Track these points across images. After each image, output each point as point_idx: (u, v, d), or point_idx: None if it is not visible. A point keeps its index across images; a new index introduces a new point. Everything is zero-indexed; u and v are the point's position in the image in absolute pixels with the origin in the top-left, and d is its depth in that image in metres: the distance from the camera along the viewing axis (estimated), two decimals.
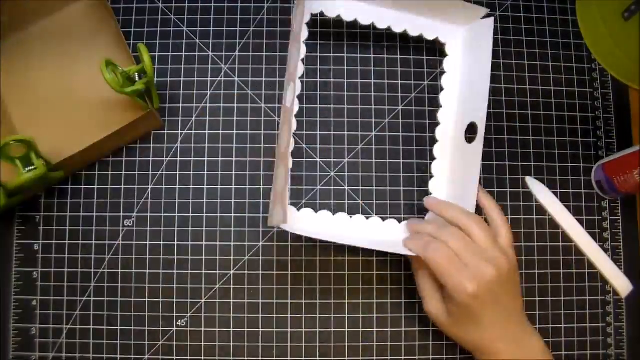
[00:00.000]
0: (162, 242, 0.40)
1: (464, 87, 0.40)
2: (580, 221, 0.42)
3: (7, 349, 0.38)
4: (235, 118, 0.41)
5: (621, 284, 0.41)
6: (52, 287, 0.39)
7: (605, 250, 0.42)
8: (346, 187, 0.40)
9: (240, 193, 0.40)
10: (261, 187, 0.40)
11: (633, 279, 0.41)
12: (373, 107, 0.41)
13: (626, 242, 0.42)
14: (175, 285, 0.39)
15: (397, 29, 0.39)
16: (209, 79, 0.42)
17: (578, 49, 0.44)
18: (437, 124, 0.40)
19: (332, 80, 0.42)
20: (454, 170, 0.39)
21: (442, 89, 0.41)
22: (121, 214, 0.40)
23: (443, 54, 0.41)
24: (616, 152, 0.42)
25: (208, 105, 0.41)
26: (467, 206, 0.36)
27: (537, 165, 0.40)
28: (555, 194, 0.42)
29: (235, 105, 0.41)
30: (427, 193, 0.39)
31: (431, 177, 0.40)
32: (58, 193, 0.40)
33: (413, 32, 0.40)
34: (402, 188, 0.40)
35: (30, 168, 0.35)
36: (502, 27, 0.44)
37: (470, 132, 0.37)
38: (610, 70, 0.43)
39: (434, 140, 0.40)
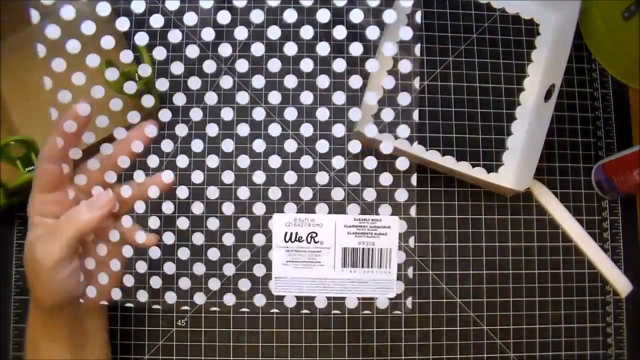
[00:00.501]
0: (161, 243, 0.40)
1: (549, 56, 0.43)
2: (580, 221, 0.42)
3: (7, 349, 0.39)
4: (235, 118, 0.41)
5: (621, 284, 0.41)
6: None
7: (605, 250, 0.42)
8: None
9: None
10: (261, 187, 0.40)
11: (633, 279, 0.41)
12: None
13: (626, 242, 0.42)
14: (175, 285, 0.39)
15: (497, 5, 0.45)
16: (209, 79, 0.42)
17: (578, 49, 0.44)
18: (523, 89, 0.43)
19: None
20: (531, 128, 0.42)
21: (531, 61, 0.43)
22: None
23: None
24: (616, 152, 0.42)
25: (208, 105, 0.41)
26: (532, 157, 0.39)
27: (537, 165, 0.40)
28: (555, 194, 0.42)
29: (235, 105, 0.41)
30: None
31: (510, 134, 0.42)
32: None
33: (511, 11, 0.44)
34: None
35: (30, 168, 0.35)
36: (503, 27, 0.44)
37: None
38: (610, 70, 0.43)
39: (516, 104, 0.43)
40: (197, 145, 0.33)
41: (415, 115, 0.35)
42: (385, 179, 0.28)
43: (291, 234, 0.29)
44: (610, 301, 0.41)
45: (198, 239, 0.31)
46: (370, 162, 0.29)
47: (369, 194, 0.28)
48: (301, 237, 0.29)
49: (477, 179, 0.39)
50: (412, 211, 0.31)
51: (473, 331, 0.40)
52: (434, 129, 0.42)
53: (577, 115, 0.43)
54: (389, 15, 0.30)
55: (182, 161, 0.33)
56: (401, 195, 0.29)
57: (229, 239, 0.31)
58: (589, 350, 0.40)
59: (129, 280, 0.31)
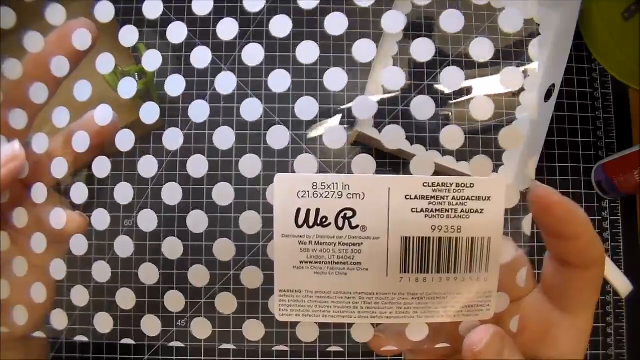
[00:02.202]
0: (162, 243, 0.40)
1: (550, 56, 0.43)
2: None
3: None
4: (235, 118, 0.41)
5: (621, 284, 0.41)
6: None
7: (605, 250, 0.41)
8: None
9: (240, 193, 0.40)
10: (260, 187, 0.40)
11: (633, 279, 0.41)
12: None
13: (626, 242, 0.42)
14: (175, 286, 0.39)
15: (497, 5, 0.42)
16: (209, 79, 0.42)
17: (578, 49, 0.44)
18: (522, 89, 0.42)
19: None
20: (531, 128, 0.41)
21: (531, 61, 0.42)
22: (121, 214, 0.40)
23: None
24: (616, 152, 0.42)
25: (208, 105, 0.41)
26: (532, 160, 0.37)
27: (537, 165, 0.40)
28: None
29: (235, 105, 0.41)
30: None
31: None
32: None
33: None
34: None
35: None
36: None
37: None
38: (610, 70, 0.43)
39: (516, 104, 0.43)
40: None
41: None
42: None
43: (308, 211, 0.16)
44: (610, 301, 0.41)
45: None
46: None
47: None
48: (326, 218, 0.16)
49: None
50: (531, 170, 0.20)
51: None
52: (433, 128, 0.42)
53: (577, 115, 0.43)
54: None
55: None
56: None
57: (197, 221, 0.19)
58: (589, 351, 0.40)
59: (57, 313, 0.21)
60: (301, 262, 0.17)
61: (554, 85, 0.40)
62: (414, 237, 0.16)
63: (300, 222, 0.17)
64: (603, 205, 0.42)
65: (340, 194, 0.16)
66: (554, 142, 0.42)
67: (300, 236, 0.17)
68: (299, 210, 0.16)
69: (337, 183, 0.16)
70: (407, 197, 0.16)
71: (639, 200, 0.43)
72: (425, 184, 0.16)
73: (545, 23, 0.44)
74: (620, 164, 0.40)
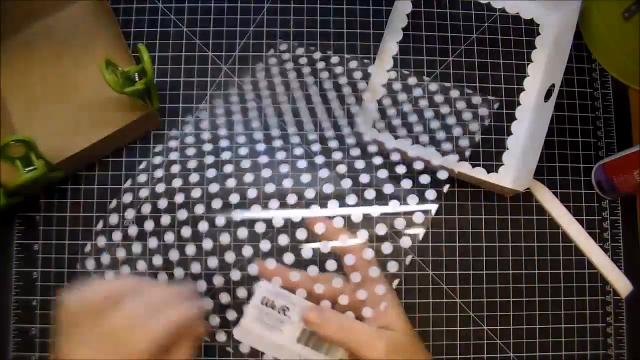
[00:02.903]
0: (162, 243, 0.40)
1: (550, 56, 0.43)
2: (580, 221, 0.42)
3: (7, 349, 0.38)
4: (234, 118, 0.41)
5: (621, 284, 0.41)
6: (52, 287, 0.39)
7: (605, 250, 0.42)
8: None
9: (240, 193, 0.40)
10: (261, 187, 0.40)
11: (633, 279, 0.41)
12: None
13: (626, 242, 0.42)
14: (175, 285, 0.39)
15: (497, 5, 0.44)
16: (209, 79, 0.42)
17: (578, 49, 0.44)
18: (523, 89, 0.43)
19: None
20: (531, 128, 0.42)
21: (531, 61, 0.43)
22: (121, 214, 0.40)
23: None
24: (616, 152, 0.42)
25: (208, 105, 0.41)
26: (532, 157, 0.39)
27: (537, 165, 0.40)
28: (555, 194, 0.42)
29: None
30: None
31: (510, 134, 0.42)
32: (58, 193, 0.40)
33: (511, 11, 0.44)
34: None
35: (30, 168, 0.35)
36: (503, 27, 0.44)
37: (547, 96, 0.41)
38: (610, 70, 0.43)
39: (516, 104, 0.43)
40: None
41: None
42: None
43: (268, 299, 0.32)
44: (610, 301, 0.41)
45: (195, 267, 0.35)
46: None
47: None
48: (274, 306, 0.32)
49: (477, 179, 0.39)
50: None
51: (473, 331, 0.40)
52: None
53: (577, 115, 0.43)
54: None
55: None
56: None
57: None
58: (589, 351, 0.40)
59: None
60: (256, 318, 0.32)
61: (554, 85, 0.40)
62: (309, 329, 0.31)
63: (262, 302, 0.32)
64: (603, 205, 0.42)
65: (286, 300, 0.32)
66: (554, 142, 0.42)
67: (260, 308, 0.32)
68: (264, 297, 0.32)
69: (286, 295, 0.32)
70: None
71: (639, 200, 0.43)
72: None
73: (545, 23, 0.44)
74: (620, 164, 0.40)
